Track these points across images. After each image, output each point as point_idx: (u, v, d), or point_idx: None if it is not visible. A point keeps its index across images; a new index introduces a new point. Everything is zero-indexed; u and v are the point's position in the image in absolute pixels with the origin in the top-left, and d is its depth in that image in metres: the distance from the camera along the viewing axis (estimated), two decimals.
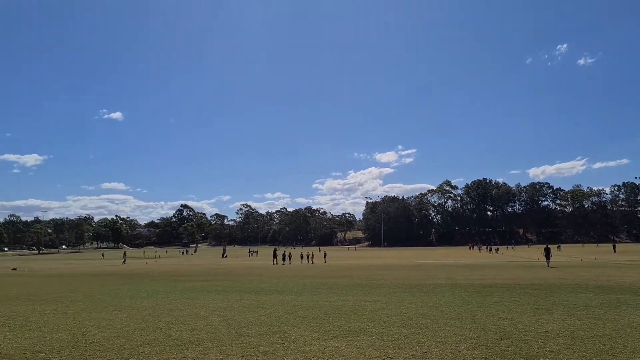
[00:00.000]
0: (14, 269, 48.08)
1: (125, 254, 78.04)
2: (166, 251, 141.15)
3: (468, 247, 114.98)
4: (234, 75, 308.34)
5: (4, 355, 7.94)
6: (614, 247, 79.31)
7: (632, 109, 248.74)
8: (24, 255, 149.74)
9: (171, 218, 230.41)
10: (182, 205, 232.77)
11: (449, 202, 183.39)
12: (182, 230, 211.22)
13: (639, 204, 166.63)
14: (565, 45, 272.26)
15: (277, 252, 56.58)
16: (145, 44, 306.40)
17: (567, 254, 68.50)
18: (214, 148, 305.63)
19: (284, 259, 53.29)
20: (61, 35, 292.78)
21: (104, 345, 8.58)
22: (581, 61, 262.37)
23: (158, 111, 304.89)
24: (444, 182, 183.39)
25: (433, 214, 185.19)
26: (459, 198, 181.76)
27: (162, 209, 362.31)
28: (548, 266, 35.61)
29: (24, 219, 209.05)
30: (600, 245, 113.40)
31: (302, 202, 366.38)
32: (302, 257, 58.63)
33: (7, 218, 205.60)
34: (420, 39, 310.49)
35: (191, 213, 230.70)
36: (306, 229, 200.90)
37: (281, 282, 24.19)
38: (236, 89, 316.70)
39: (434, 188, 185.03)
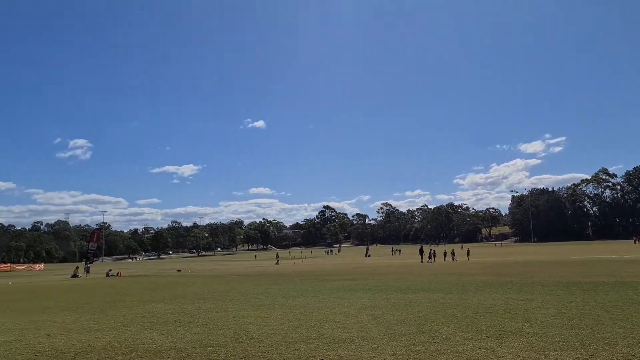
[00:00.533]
0: (179, 270, 52.86)
1: (277, 255, 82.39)
2: (311, 251, 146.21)
3: (633, 240, 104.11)
4: (363, 76, 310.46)
5: (178, 348, 8.76)
6: None
7: None
8: (186, 257, 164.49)
9: (314, 219, 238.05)
10: (324, 207, 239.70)
11: (607, 192, 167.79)
12: (325, 230, 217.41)
13: None
14: None
15: (423, 249, 56.06)
16: (285, 56, 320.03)
17: None
18: (351, 149, 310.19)
19: (430, 257, 52.60)
20: (218, 48, 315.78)
21: (262, 342, 9.10)
22: None
23: (297, 118, 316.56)
24: (600, 171, 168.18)
25: (588, 205, 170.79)
26: (618, 187, 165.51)
27: (306, 211, 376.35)
28: None
29: (184, 224, 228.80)
30: None
31: (443, 198, 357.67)
32: (445, 254, 57.36)
33: (170, 224, 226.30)
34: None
35: (333, 214, 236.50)
36: (449, 225, 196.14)
37: (427, 280, 23.86)
38: (366, 90, 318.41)
39: (589, 177, 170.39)
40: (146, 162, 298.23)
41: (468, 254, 58.54)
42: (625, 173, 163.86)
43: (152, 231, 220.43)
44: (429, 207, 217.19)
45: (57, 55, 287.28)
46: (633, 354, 7.25)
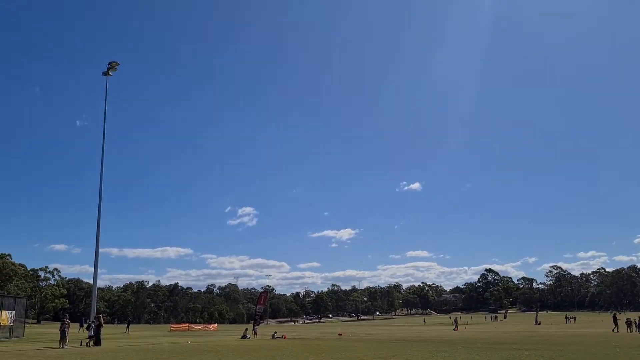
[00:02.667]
0: (340, 334, 53.20)
1: (456, 319, 77.97)
2: (471, 317, 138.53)
3: None
4: (520, 131, 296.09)
5: None
6: None
7: None
8: (345, 321, 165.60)
9: (476, 283, 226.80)
10: (486, 270, 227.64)
11: None
12: (488, 295, 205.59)
13: None
14: None
15: (617, 317, 50.18)
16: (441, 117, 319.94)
17: None
18: (512, 208, 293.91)
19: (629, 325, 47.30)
20: (374, 109, 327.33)
21: None
22: None
23: (453, 178, 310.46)
24: None
25: None
26: None
27: (466, 274, 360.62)
28: None
29: (343, 288, 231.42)
30: None
31: (622, 260, 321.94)
32: (629, 324, 50.66)
33: (330, 288, 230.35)
34: None
35: (496, 277, 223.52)
36: (632, 291, 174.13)
37: (612, 352, 21.25)
38: (524, 145, 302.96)
39: None
40: (306, 227, 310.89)
41: None
42: None
43: (312, 295, 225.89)
44: (607, 270, 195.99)
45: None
46: None
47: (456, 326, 68.58)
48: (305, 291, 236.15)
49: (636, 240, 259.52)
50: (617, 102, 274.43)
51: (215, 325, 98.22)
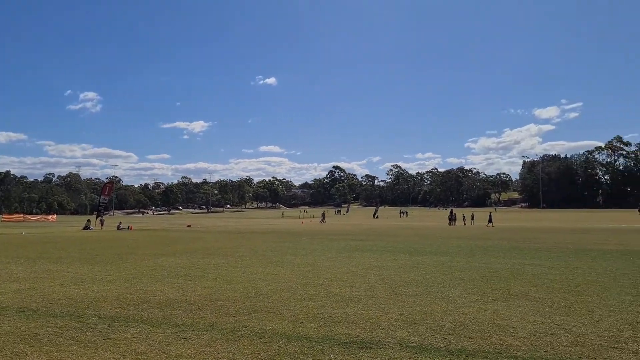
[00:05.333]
0: (189, 226, 53.51)
1: (324, 214, 78.07)
2: (323, 212, 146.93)
3: (638, 210, 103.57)
4: (374, 34, 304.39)
5: (188, 301, 8.94)
6: None
7: None
8: (195, 213, 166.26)
9: (323, 179, 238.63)
10: (333, 167, 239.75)
11: (621, 160, 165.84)
12: (334, 191, 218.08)
13: None
14: None
15: (454, 213, 56.20)
16: (296, 12, 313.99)
17: None
18: (362, 109, 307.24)
19: (450, 220, 53.36)
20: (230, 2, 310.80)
21: (271, 297, 9.25)
22: None
23: (309, 76, 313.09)
24: (614, 138, 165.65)
25: (600, 173, 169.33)
26: (632, 156, 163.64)
27: (315, 171, 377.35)
28: None
29: (194, 180, 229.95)
30: None
31: (453, 162, 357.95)
32: (464, 218, 57.63)
33: (180, 180, 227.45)
34: None
35: (342, 174, 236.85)
36: (458, 189, 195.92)
37: (435, 243, 24.02)
38: (377, 49, 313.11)
39: (603, 145, 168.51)
40: (156, 117, 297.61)
41: (490, 220, 55.00)
42: None
43: (162, 186, 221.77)
44: (439, 170, 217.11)
45: (65, 4, 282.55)
46: (638, 320, 7.30)
47: (323, 219, 70.54)
48: (155, 183, 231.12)
49: (466, 145, 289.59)
50: (453, 20, 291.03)
51: (55, 216, 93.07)
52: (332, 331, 6.75)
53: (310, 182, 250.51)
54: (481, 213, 70.23)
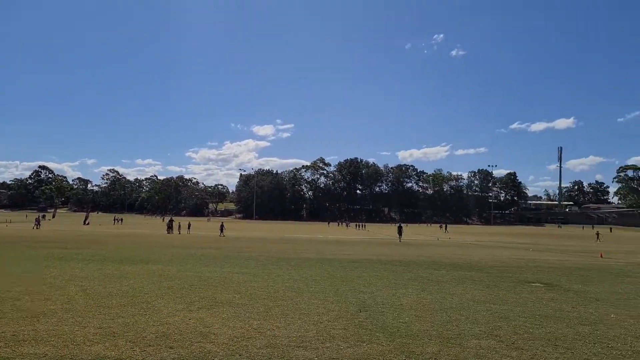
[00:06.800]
0: None
1: (38, 219, 67.28)
2: (26, 215, 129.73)
3: (337, 223, 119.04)
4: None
5: None
6: (445, 227, 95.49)
7: (495, 101, 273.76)
8: None
9: (26, 180, 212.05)
10: (40, 167, 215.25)
11: (322, 179, 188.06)
12: (40, 193, 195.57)
13: (490, 190, 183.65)
14: (441, 36, 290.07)
15: (173, 222, 54.01)
16: None
17: (423, 233, 73.68)
18: (75, 107, 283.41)
19: (170, 228, 51.62)
20: None
21: None
22: (454, 52, 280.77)
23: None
24: (318, 159, 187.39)
25: (305, 189, 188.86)
26: (331, 175, 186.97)
27: (17, 170, 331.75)
28: (400, 241, 42.27)
29: None
30: (434, 225, 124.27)
31: (174, 170, 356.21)
32: (189, 226, 57.08)
33: None
34: (303, 20, 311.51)
35: (50, 175, 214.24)
36: (177, 198, 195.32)
37: (148, 251, 23.43)
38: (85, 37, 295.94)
39: (308, 164, 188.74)
40: None
41: (189, 228, 57.56)
42: (338, 163, 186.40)
43: None
44: (159, 177, 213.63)
45: None
46: (321, 321, 8.29)
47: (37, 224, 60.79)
48: None
49: (187, 154, 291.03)
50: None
51: None
52: (14, 352, 5.97)
53: (9, 183, 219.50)
54: (198, 223, 71.30)
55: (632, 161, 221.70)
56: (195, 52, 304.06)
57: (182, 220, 68.90)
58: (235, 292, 11.16)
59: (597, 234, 62.29)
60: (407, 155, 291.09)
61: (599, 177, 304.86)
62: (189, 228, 57.69)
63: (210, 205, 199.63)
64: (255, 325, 7.80)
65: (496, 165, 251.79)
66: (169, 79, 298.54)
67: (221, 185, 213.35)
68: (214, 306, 9.36)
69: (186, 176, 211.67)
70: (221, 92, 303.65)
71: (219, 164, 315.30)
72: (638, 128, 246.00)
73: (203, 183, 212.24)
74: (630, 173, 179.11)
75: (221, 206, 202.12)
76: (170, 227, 52.25)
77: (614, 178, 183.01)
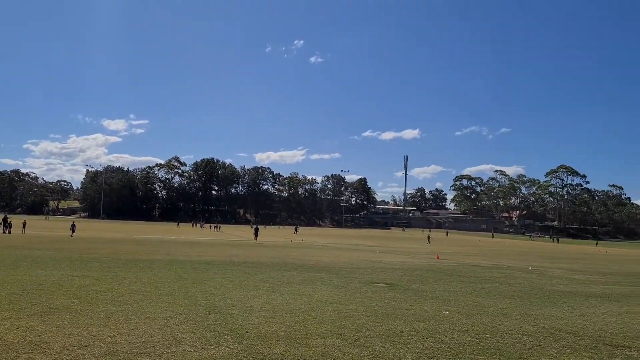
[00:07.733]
0: None
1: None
2: None
3: (191, 224, 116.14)
4: None
5: None
6: (296, 229, 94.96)
7: (349, 109, 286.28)
8: None
9: None
10: None
11: (177, 178, 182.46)
12: None
13: (342, 194, 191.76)
14: (301, 42, 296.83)
15: (8, 220, 47.85)
16: None
17: (277, 235, 74.78)
18: None
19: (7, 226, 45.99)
20: None
21: None
22: (313, 59, 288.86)
23: None
24: (173, 158, 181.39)
25: (159, 188, 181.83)
26: (186, 175, 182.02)
27: None
28: (255, 243, 43.29)
29: None
30: (288, 227, 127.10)
31: (9, 163, 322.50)
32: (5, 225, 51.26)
33: None
34: (163, 17, 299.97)
35: None
36: (11, 194, 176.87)
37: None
38: None
39: (163, 162, 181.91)
40: None
41: (24, 227, 52.51)
42: (194, 163, 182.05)
43: None
44: None
45: None
46: (168, 325, 7.99)
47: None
48: None
49: (26, 146, 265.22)
50: None
51: None
52: None
53: None
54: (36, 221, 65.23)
55: (466, 171, 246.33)
56: (36, 32, 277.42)
57: (16, 219, 62.44)
58: (74, 296, 10.37)
59: (429, 237, 68.75)
60: (264, 157, 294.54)
61: (439, 185, 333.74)
62: (23, 227, 52.40)
63: (51, 203, 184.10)
64: (95, 332, 7.30)
65: (348, 171, 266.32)
66: (3, 58, 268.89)
67: (64, 181, 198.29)
68: (48, 313, 8.61)
69: (23, 170, 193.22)
70: (66, 80, 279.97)
71: (62, 158, 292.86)
72: (472, 142, 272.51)
73: (43, 178, 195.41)
74: (464, 182, 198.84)
75: (64, 204, 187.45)
76: (5, 225, 47.13)
77: (451, 186, 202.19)
